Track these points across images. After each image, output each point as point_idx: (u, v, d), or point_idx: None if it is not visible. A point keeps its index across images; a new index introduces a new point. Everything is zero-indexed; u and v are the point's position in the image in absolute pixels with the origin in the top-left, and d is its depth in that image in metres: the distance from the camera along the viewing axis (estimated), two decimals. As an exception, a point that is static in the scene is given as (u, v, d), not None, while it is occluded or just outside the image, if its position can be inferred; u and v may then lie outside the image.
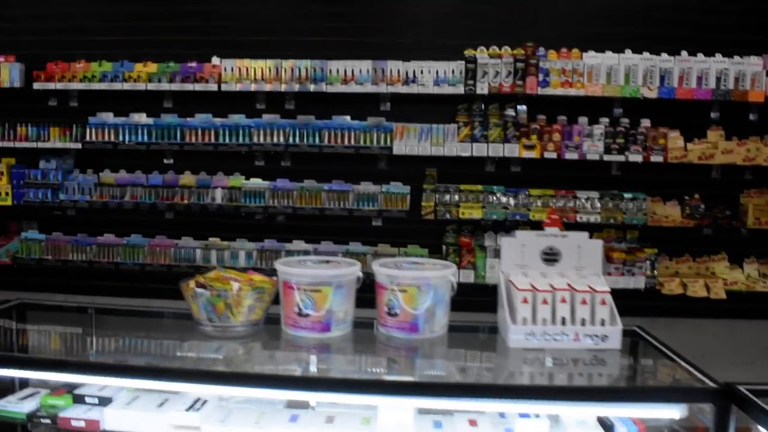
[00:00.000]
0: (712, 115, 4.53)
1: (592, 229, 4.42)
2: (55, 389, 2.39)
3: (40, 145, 4.67)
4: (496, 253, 4.39)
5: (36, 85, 4.64)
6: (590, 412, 2.14)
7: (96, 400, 2.38)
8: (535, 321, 2.35)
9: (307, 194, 4.47)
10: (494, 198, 4.40)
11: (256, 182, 4.56)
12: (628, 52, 4.34)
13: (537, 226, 4.44)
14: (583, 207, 4.35)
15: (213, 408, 2.33)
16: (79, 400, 2.37)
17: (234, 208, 4.50)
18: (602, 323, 2.35)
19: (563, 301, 2.37)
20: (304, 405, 2.35)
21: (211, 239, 4.59)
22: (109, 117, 4.66)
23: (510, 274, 2.52)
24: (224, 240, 4.60)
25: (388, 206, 4.41)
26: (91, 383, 2.34)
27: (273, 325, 2.44)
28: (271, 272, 2.48)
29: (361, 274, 2.48)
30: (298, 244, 4.52)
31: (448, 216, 4.38)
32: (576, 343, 2.34)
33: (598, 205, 4.35)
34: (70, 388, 2.36)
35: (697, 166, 4.37)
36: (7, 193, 4.70)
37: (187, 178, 4.62)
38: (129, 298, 4.62)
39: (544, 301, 2.37)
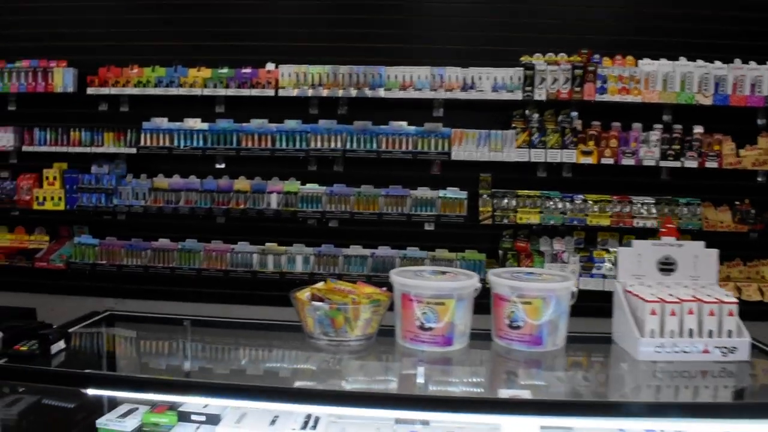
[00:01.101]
0: (759, 121, 4.45)
1: (648, 235, 4.35)
2: (155, 406, 2.25)
3: (94, 149, 4.56)
4: (553, 258, 4.30)
5: (90, 90, 4.53)
6: (737, 428, 2.01)
7: (203, 418, 2.26)
8: (662, 333, 2.24)
9: (365, 199, 4.33)
10: (551, 203, 4.30)
11: (312, 187, 4.46)
12: (683, 60, 4.26)
13: (594, 230, 4.38)
14: (639, 212, 4.26)
15: (326, 425, 2.20)
16: (184, 417, 2.26)
17: (291, 213, 4.37)
18: (729, 334, 2.24)
19: (690, 312, 2.28)
20: (423, 421, 2.22)
21: (267, 244, 4.46)
22: (163, 122, 4.53)
23: (627, 284, 2.41)
24: (281, 245, 4.44)
25: (446, 211, 4.30)
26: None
27: (383, 337, 2.33)
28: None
29: (479, 285, 2.36)
30: (356, 249, 4.43)
31: (505, 221, 4.30)
32: (705, 356, 2.24)
33: (654, 210, 4.26)
34: (170, 404, 2.25)
35: (744, 172, 4.29)
36: (60, 198, 4.56)
37: (242, 183, 4.51)
38: (184, 303, 4.49)
39: (672, 313, 2.28)
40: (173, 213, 4.49)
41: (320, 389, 2.00)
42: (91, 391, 2.02)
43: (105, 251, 4.55)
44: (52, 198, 4.60)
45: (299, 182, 4.52)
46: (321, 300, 2.31)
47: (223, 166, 4.68)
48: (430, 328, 2.27)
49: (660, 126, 4.35)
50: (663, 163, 4.27)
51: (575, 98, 4.26)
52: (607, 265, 4.31)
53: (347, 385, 2.10)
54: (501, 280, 2.35)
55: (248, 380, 2.14)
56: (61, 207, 4.60)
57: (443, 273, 2.44)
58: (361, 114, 4.52)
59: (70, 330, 2.31)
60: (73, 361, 2.17)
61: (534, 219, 4.32)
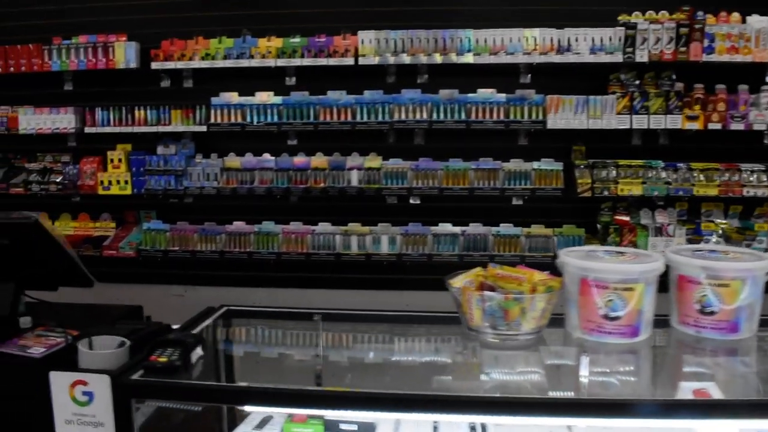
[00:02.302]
0: None
1: (756, 205, 4.07)
2: (292, 414, 2.00)
3: (161, 128, 4.30)
4: (657, 231, 4.03)
5: (154, 65, 4.24)
6: None
7: (354, 427, 2.01)
8: None
9: (453, 174, 4.05)
10: (652, 173, 4.01)
11: (396, 162, 4.20)
12: (796, 14, 3.91)
13: (697, 201, 4.10)
14: (748, 181, 3.96)
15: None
16: (332, 427, 2.00)
17: (375, 191, 4.09)
18: None
19: None
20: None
21: (350, 224, 4.19)
22: (233, 97, 4.24)
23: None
24: (364, 225, 4.18)
25: (541, 184, 4.02)
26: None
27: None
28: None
29: (664, 267, 2.08)
30: (445, 227, 4.16)
31: (606, 193, 4.03)
32: None
33: (765, 178, 3.97)
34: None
35: None
36: (126, 182, 4.32)
37: (320, 160, 4.22)
38: (262, 288, 4.25)
39: None
40: (248, 194, 4.23)
41: (511, 397, 1.74)
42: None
43: (177, 237, 4.31)
44: (118, 182, 4.34)
45: (381, 157, 4.24)
46: (492, 289, 2.05)
47: (295, 142, 4.40)
48: (617, 317, 2.02)
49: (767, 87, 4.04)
50: (776, 127, 3.98)
51: (680, 59, 3.95)
52: (716, 238, 4.03)
53: (551, 392, 1.85)
54: (690, 259, 2.08)
55: (414, 387, 1.88)
56: (128, 191, 4.35)
57: (620, 254, 2.17)
58: (443, 82, 4.22)
59: (194, 331, 2.06)
60: (218, 371, 1.93)
61: (636, 190, 4.04)
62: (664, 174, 4.08)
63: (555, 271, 2.14)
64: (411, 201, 4.19)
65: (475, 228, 4.18)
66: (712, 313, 2.04)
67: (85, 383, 1.76)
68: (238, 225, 4.33)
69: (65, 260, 2.01)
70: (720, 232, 4.05)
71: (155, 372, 1.72)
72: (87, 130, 4.35)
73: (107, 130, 4.33)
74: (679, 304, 2.12)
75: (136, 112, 4.32)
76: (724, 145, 4.18)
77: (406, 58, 4.09)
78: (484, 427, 2.07)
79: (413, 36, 4.08)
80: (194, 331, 2.07)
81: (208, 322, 2.20)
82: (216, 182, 4.27)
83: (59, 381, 1.78)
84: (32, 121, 4.40)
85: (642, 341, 2.04)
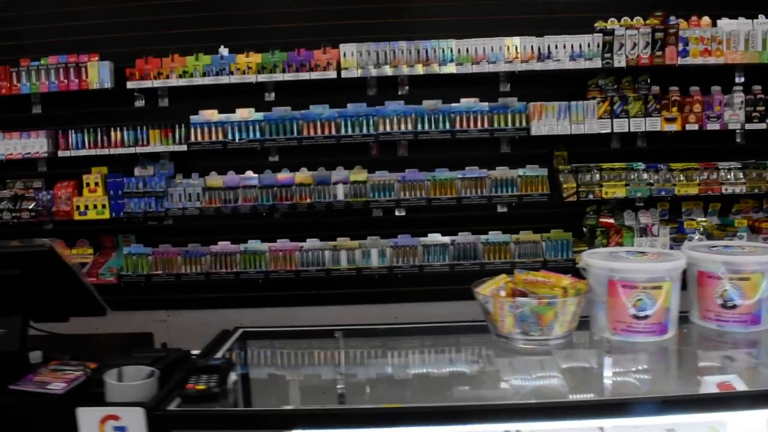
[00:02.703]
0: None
1: (734, 201, 4.20)
2: None
3: (139, 149, 4.18)
4: (642, 232, 4.10)
5: (130, 84, 4.13)
6: None
7: None
8: None
9: (440, 184, 4.05)
10: (634, 175, 4.09)
11: (382, 174, 4.17)
12: (762, 18, 4.06)
13: (678, 200, 4.19)
14: (726, 179, 4.08)
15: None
16: None
17: (362, 204, 4.06)
18: None
19: None
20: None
21: (339, 239, 4.13)
22: (213, 114, 4.15)
23: None
24: (353, 239, 4.13)
25: (528, 190, 4.05)
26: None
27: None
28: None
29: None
30: (434, 238, 4.14)
31: (591, 197, 4.09)
32: None
33: (741, 175, 4.08)
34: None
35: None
36: (104, 205, 4.19)
37: (304, 176, 4.17)
38: (253, 309, 4.15)
39: None
40: (232, 213, 4.14)
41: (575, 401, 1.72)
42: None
43: (160, 260, 4.17)
44: (95, 206, 4.19)
45: (366, 170, 4.20)
46: (524, 295, 2.03)
47: (277, 158, 4.33)
48: (646, 316, 2.02)
49: (740, 88, 4.17)
50: (748, 126, 4.10)
51: (656, 63, 4.05)
52: (698, 235, 4.12)
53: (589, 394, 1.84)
54: (710, 255, 2.11)
55: (460, 399, 1.84)
56: (106, 215, 4.20)
57: (642, 253, 2.18)
58: (423, 93, 4.22)
59: (217, 356, 1.98)
60: (251, 396, 1.85)
61: (620, 193, 4.11)
62: (645, 175, 4.16)
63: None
64: (399, 213, 4.16)
65: (464, 237, 4.18)
66: (734, 306, 2.06)
67: (116, 418, 1.66)
68: (224, 245, 4.22)
69: (78, 289, 1.90)
70: (702, 229, 4.15)
71: (193, 401, 1.63)
72: (60, 153, 4.19)
73: (82, 153, 4.18)
74: (700, 299, 2.14)
75: (113, 133, 4.18)
76: (699, 145, 4.30)
77: (388, 70, 4.08)
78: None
79: (395, 48, 4.08)
80: (217, 356, 1.99)
81: (227, 345, 2.11)
82: (199, 202, 4.16)
83: (88, 417, 1.67)
84: (1, 146, 4.21)
85: (670, 338, 2.05)
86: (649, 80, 4.20)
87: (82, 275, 1.92)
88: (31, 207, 4.23)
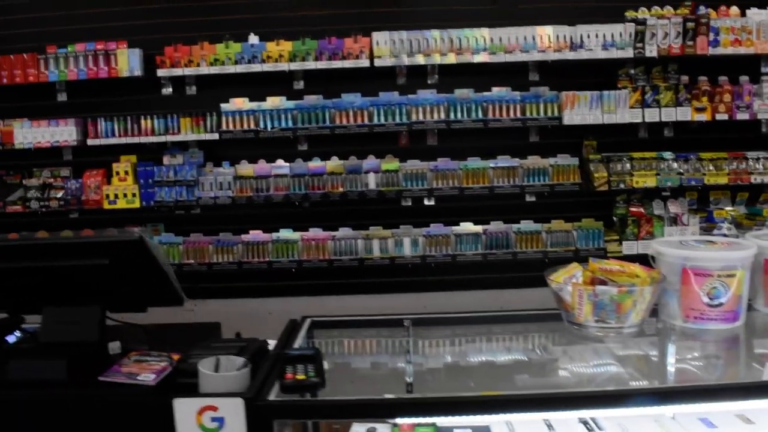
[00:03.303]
0: None
1: (762, 191, 4.22)
2: (398, 423, 1.93)
3: (170, 138, 4.13)
4: (671, 221, 4.12)
5: (161, 72, 4.08)
6: None
7: (469, 431, 1.94)
8: None
9: (473, 173, 4.04)
10: (664, 165, 4.10)
11: (414, 163, 4.16)
12: (792, 7, 4.07)
13: (706, 190, 4.21)
14: (754, 168, 4.10)
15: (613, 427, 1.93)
16: None
17: (395, 193, 4.05)
18: None
19: None
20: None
21: (372, 228, 4.12)
22: (244, 103, 4.10)
23: None
24: (385, 228, 4.12)
25: (559, 179, 4.05)
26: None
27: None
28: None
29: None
30: (466, 227, 4.13)
31: (622, 186, 4.11)
32: None
33: (770, 165, 4.12)
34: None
35: None
36: (134, 194, 4.14)
37: (335, 165, 4.14)
38: (285, 297, 4.13)
39: None
40: (265, 202, 4.11)
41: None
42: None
43: (192, 249, 4.15)
44: (125, 195, 4.15)
45: (398, 159, 4.19)
46: (604, 283, 2.04)
47: (305, 147, 4.31)
48: (720, 304, 2.04)
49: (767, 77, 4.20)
50: (777, 115, 4.14)
51: (687, 53, 4.06)
52: (727, 224, 4.15)
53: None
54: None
55: (539, 386, 1.85)
56: (136, 204, 4.16)
57: (711, 242, 2.20)
58: (453, 82, 4.21)
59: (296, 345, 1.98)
60: (346, 384, 1.84)
61: (650, 182, 4.13)
62: (675, 165, 4.18)
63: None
64: (431, 202, 4.16)
65: (496, 226, 4.19)
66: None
67: (214, 408, 1.65)
68: (255, 234, 4.20)
69: (161, 279, 1.88)
70: (730, 218, 4.18)
71: (293, 390, 1.63)
72: (90, 142, 4.14)
73: (112, 141, 4.13)
74: (767, 287, 2.16)
75: (143, 121, 4.13)
76: (726, 135, 4.32)
77: (421, 59, 4.06)
78: (594, 420, 2.05)
79: (428, 36, 4.05)
80: (295, 345, 1.99)
81: (301, 334, 2.11)
82: (230, 191, 4.13)
83: (184, 408, 1.66)
84: (29, 134, 4.16)
85: (740, 326, 2.07)
86: (677, 69, 4.22)
87: (167, 265, 1.90)
88: (59, 196, 4.19)
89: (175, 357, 1.92)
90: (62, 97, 4.31)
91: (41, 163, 4.34)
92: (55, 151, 4.27)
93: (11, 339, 2.25)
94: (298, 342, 2.04)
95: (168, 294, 1.97)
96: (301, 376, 1.66)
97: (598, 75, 4.23)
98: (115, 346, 1.97)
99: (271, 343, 2.03)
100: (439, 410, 1.57)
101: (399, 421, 1.65)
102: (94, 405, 1.75)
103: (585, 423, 2.06)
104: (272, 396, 1.63)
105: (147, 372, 1.81)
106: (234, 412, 1.64)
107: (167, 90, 4.28)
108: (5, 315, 2.31)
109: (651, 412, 1.92)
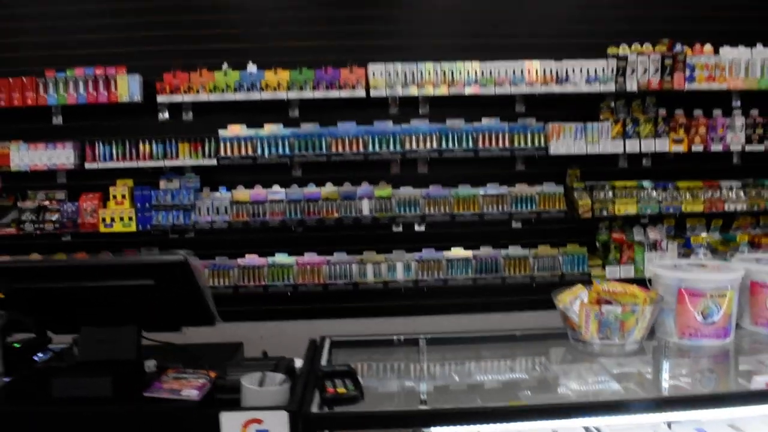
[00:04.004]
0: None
1: (734, 218, 4.52)
2: None
3: (168, 163, 4.24)
4: (651, 247, 4.38)
5: (160, 98, 4.18)
6: None
7: None
8: None
9: (463, 200, 4.25)
10: (645, 193, 4.37)
11: (407, 190, 4.35)
12: (760, 47, 4.41)
13: (684, 217, 4.48)
14: (727, 197, 4.39)
15: None
16: None
17: (389, 219, 4.23)
18: None
19: None
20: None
21: (365, 253, 4.28)
22: (242, 130, 4.24)
23: None
24: (379, 253, 4.29)
25: (546, 207, 4.28)
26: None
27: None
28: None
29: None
30: (457, 252, 4.32)
31: (605, 213, 4.36)
32: None
33: (742, 194, 4.41)
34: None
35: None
36: (130, 218, 4.23)
37: (329, 191, 4.29)
38: (282, 321, 4.25)
39: None
40: (261, 227, 4.24)
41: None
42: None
43: (187, 272, 4.22)
44: (122, 218, 4.24)
45: (390, 186, 4.37)
46: (609, 303, 2.24)
47: (299, 173, 4.47)
48: (713, 322, 2.25)
49: (739, 111, 4.51)
50: (748, 148, 4.44)
51: (665, 87, 4.36)
52: (703, 250, 4.42)
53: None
54: (763, 267, 2.36)
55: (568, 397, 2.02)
56: (132, 228, 4.25)
57: (703, 266, 2.42)
58: (444, 112, 4.42)
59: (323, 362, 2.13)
60: (377, 398, 1.98)
61: (631, 209, 4.38)
62: (654, 193, 4.45)
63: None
64: (423, 228, 4.34)
65: (485, 251, 4.39)
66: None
67: (259, 421, 1.78)
68: (251, 258, 4.32)
69: (199, 299, 2.00)
70: (706, 244, 4.45)
71: (336, 403, 1.77)
72: (87, 165, 4.22)
73: (110, 165, 4.23)
74: (752, 307, 2.38)
75: (141, 146, 4.24)
76: (699, 165, 4.62)
77: (414, 90, 4.26)
78: (598, 429, 2.23)
79: (421, 69, 4.27)
80: (323, 362, 2.13)
81: (324, 353, 2.25)
82: (227, 216, 4.25)
83: (231, 421, 1.79)
84: (25, 157, 4.23)
85: (731, 342, 2.28)
86: (655, 103, 4.51)
87: (206, 286, 2.03)
88: (54, 218, 4.25)
89: (212, 374, 2.04)
90: (58, 120, 4.39)
91: (36, 185, 4.41)
92: (50, 174, 4.35)
93: (39, 358, 2.35)
94: (324, 359, 2.17)
95: (202, 314, 2.09)
96: (341, 390, 1.81)
97: (581, 107, 4.50)
98: (150, 364, 2.08)
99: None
100: (473, 419, 1.73)
101: (434, 430, 1.79)
102: (142, 420, 1.86)
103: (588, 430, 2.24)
104: (314, 408, 1.77)
105: (188, 388, 1.93)
106: (278, 424, 1.78)
107: (164, 115, 4.41)
108: (33, 335, 2.41)
109: (650, 420, 2.11)
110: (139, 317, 2.06)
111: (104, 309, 2.03)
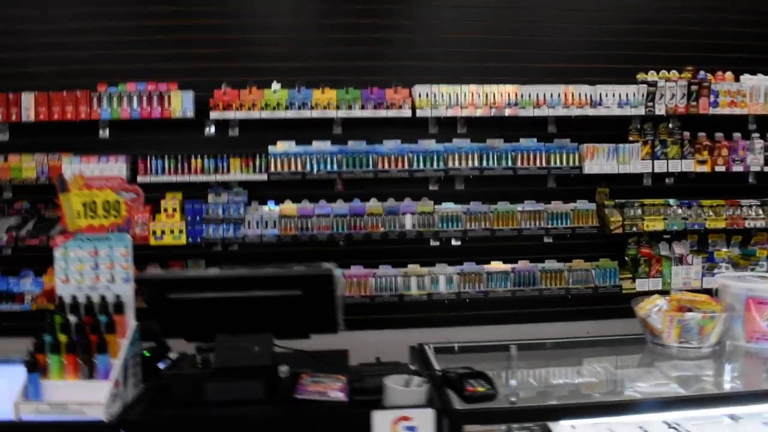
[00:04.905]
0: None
1: (754, 235, 4.86)
2: None
3: (219, 177, 4.43)
4: (677, 261, 4.70)
5: (213, 115, 4.38)
6: None
7: None
8: None
9: (503, 216, 4.53)
10: (671, 210, 4.70)
11: (448, 206, 4.58)
12: (777, 74, 4.81)
13: (706, 233, 4.82)
14: (748, 214, 4.74)
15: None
16: None
17: (432, 233, 4.49)
18: None
19: None
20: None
21: (410, 266, 4.53)
22: (291, 146, 4.47)
23: None
24: (423, 266, 4.55)
25: (579, 223, 4.58)
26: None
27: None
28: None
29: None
30: (497, 265, 4.58)
31: (634, 229, 4.66)
32: None
33: (761, 211, 4.77)
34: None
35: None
36: (181, 231, 4.39)
37: (374, 206, 4.54)
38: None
39: None
40: (310, 240, 4.46)
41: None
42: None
43: (237, 284, 4.42)
44: (172, 231, 4.41)
45: (433, 202, 4.63)
46: (690, 310, 2.53)
47: (340, 187, 4.70)
48: (778, 328, 2.56)
49: (757, 135, 4.88)
50: (767, 168, 4.81)
51: (691, 111, 4.71)
52: (725, 264, 4.77)
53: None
54: None
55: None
56: (182, 241, 4.42)
57: (764, 277, 2.73)
58: (482, 131, 4.70)
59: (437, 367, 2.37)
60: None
61: (659, 226, 4.71)
62: (679, 211, 4.78)
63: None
64: (463, 242, 4.61)
65: (523, 264, 4.67)
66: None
67: (408, 419, 2.01)
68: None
69: (333, 308, 2.22)
70: (728, 259, 4.80)
71: (477, 401, 2.01)
72: (140, 179, 4.39)
73: (162, 179, 4.40)
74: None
75: (192, 160, 4.43)
76: (717, 184, 4.97)
77: (459, 111, 4.54)
78: (678, 424, 2.50)
79: (465, 90, 4.55)
80: (436, 366, 2.37)
81: (432, 358, 2.50)
82: (276, 229, 4.46)
83: (382, 419, 2.03)
84: (77, 170, 4.39)
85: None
86: (680, 126, 4.86)
87: (341, 297, 2.25)
88: (106, 231, 4.40)
89: (342, 378, 2.27)
90: (105, 133, 4.56)
91: (83, 198, 4.56)
92: (98, 187, 4.51)
93: (162, 365, 2.54)
94: (436, 364, 2.42)
95: (330, 322, 2.32)
96: (481, 389, 2.05)
97: (610, 129, 4.82)
98: (284, 369, 2.30)
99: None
100: (590, 413, 2.01)
101: (563, 423, 2.06)
102: (296, 420, 2.08)
103: (670, 425, 2.51)
104: (457, 406, 2.01)
105: (332, 390, 2.15)
106: (425, 422, 2.02)
107: (211, 131, 4.61)
108: (154, 344, 2.60)
109: (715, 413, 2.39)
110: (274, 325, 2.27)
111: (243, 318, 2.24)
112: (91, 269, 2.30)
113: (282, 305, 2.19)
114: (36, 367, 2.11)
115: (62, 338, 2.15)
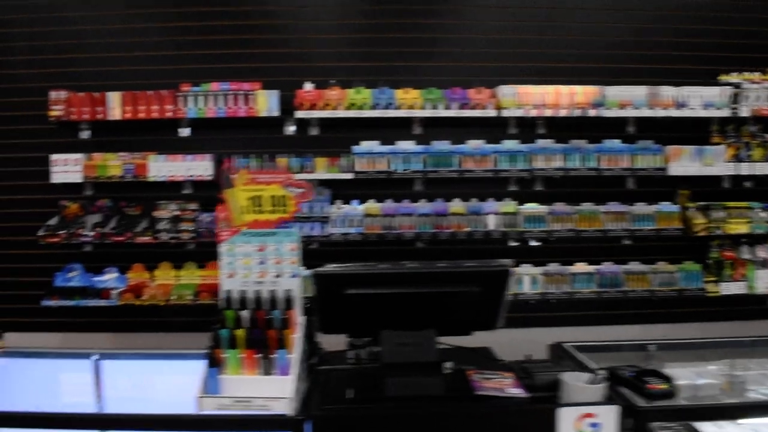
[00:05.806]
0: None
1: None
2: None
3: (305, 176, 4.47)
4: (761, 265, 4.74)
5: (299, 114, 4.44)
6: None
7: None
8: None
9: (587, 217, 4.58)
10: (754, 213, 4.75)
11: (532, 207, 4.62)
12: None
13: (788, 238, 4.85)
14: (830, 217, 4.80)
15: None
16: None
17: (517, 234, 4.53)
18: None
19: None
20: None
21: (494, 267, 4.58)
22: (374, 146, 4.52)
23: None
24: (506, 267, 4.59)
25: (663, 225, 4.63)
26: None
27: None
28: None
29: None
30: (581, 267, 4.62)
31: (719, 231, 4.69)
32: None
33: (842, 215, 4.82)
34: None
35: None
36: (266, 229, 4.40)
37: (457, 206, 4.59)
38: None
39: None
40: (396, 239, 4.51)
41: None
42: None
43: (322, 283, 4.47)
44: (258, 229, 4.45)
45: (516, 202, 4.68)
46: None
47: (421, 188, 4.76)
48: None
49: (833, 135, 4.95)
50: None
51: (776, 114, 4.77)
52: (808, 268, 4.81)
53: None
54: None
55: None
56: (269, 238, 4.46)
57: None
58: (564, 132, 4.75)
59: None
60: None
61: (743, 229, 4.75)
62: (762, 214, 4.83)
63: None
64: (546, 243, 4.66)
65: (607, 266, 4.71)
66: None
67: (592, 415, 2.06)
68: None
69: (498, 305, 2.27)
70: (809, 263, 4.86)
71: (660, 397, 2.06)
72: (226, 178, 4.44)
73: (248, 177, 4.45)
74: None
75: (278, 159, 4.49)
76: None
77: (547, 111, 4.59)
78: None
79: (549, 90, 4.60)
80: (593, 365, 2.42)
81: (581, 356, 2.55)
82: (361, 228, 4.51)
83: (566, 416, 2.08)
84: (163, 168, 4.45)
85: None
86: (762, 128, 4.92)
87: (509, 293, 2.30)
88: (191, 228, 4.46)
89: (509, 374, 2.32)
90: (186, 132, 4.62)
91: (164, 196, 4.63)
92: (176, 184, 4.59)
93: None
94: (591, 362, 2.47)
95: (491, 319, 2.37)
96: (662, 386, 2.10)
97: (689, 130, 4.87)
98: (448, 365, 2.35)
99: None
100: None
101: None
102: (479, 416, 2.13)
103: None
104: (643, 403, 2.06)
105: (508, 387, 2.20)
106: (609, 418, 2.06)
107: (289, 129, 4.67)
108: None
109: None
110: (438, 321, 2.32)
111: (410, 313, 2.29)
112: (257, 264, 2.35)
113: (454, 301, 2.24)
114: (216, 362, 2.16)
115: (239, 333, 2.20)
